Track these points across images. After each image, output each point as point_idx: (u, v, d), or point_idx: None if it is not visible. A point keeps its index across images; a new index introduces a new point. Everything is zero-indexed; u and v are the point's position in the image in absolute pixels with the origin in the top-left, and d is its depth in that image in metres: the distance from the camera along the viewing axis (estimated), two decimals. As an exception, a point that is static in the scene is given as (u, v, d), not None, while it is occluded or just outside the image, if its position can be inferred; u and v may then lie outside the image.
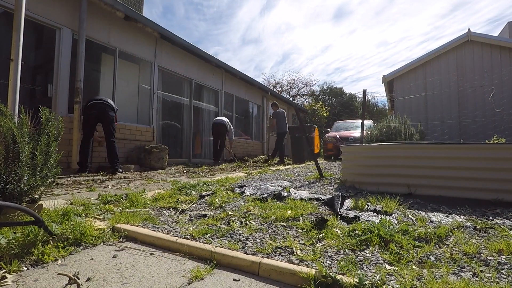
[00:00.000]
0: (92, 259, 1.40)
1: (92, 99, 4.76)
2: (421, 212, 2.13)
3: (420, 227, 1.78)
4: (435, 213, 2.09)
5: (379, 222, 1.82)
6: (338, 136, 9.29)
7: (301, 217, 1.98)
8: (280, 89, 26.86)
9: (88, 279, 1.19)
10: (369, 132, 7.54)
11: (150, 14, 49.30)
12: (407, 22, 57.51)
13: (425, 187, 2.69)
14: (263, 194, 2.75)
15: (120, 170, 4.80)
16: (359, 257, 1.39)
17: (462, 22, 52.32)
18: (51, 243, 1.48)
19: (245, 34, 56.75)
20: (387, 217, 1.97)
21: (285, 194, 2.65)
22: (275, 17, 56.05)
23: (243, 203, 2.42)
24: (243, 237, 1.65)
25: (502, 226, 1.74)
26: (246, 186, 3.20)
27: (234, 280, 1.24)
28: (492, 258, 1.34)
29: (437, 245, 1.52)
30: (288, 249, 1.48)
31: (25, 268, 1.27)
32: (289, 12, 56.29)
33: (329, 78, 55.98)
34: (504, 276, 1.18)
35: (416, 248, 1.47)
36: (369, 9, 54.64)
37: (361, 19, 56.17)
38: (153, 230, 1.75)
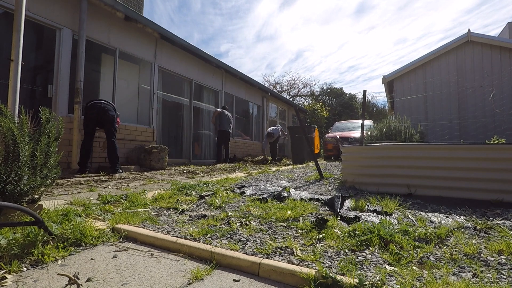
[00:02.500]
0: (92, 259, 1.40)
1: (92, 100, 4.77)
2: (421, 212, 2.13)
3: (420, 227, 1.78)
4: (435, 214, 2.09)
5: (379, 222, 1.82)
6: (338, 137, 9.29)
7: (301, 218, 1.98)
8: (280, 89, 26.88)
9: (88, 280, 1.19)
10: (369, 133, 7.54)
11: (165, 8, 47.71)
12: (430, 17, 54.46)
13: (425, 187, 2.69)
14: (263, 194, 2.75)
15: (120, 171, 4.79)
16: (359, 257, 1.38)
17: (487, 18, 49.23)
18: (51, 243, 1.47)
19: (261, 30, 54.73)
20: (387, 218, 1.97)
21: (285, 194, 2.65)
22: (295, 12, 53.20)
23: (243, 204, 2.42)
24: (243, 237, 1.65)
25: (502, 227, 1.74)
26: (246, 187, 3.19)
27: (234, 280, 1.23)
28: (492, 259, 1.34)
29: (437, 246, 1.52)
30: (288, 250, 1.48)
31: (25, 269, 1.27)
32: (310, 6, 53.91)
33: (342, 77, 54.34)
34: (504, 277, 1.18)
35: (416, 249, 1.47)
36: (392, 3, 52.11)
37: (382, 14, 54.03)
38: (153, 231, 1.75)
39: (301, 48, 53.32)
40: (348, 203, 2.37)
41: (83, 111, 4.81)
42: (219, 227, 1.83)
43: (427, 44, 53.60)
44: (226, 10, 54.00)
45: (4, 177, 1.65)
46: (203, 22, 55.71)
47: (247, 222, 1.92)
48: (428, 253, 1.42)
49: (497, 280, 1.15)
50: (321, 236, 1.64)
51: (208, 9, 54.59)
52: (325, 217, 1.85)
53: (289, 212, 2.07)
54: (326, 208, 2.26)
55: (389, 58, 53.05)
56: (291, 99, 23.42)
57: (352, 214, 2.04)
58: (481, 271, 1.23)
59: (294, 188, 3.05)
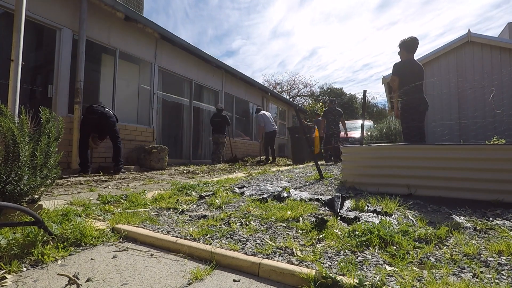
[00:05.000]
0: (92, 259, 1.40)
1: (94, 104, 4.83)
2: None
3: (420, 227, 1.78)
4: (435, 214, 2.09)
5: (379, 223, 1.82)
6: (338, 137, 9.26)
7: (301, 218, 1.98)
8: (280, 89, 26.90)
9: (88, 280, 1.19)
10: (369, 133, 7.54)
11: (181, 2, 46.28)
12: (455, 12, 51.64)
13: (425, 187, 2.68)
14: (263, 194, 2.75)
15: (123, 171, 4.89)
16: (359, 258, 1.38)
17: (513, 13, 46.84)
18: (51, 243, 1.47)
19: (278, 25, 52.30)
20: (387, 218, 1.96)
21: (285, 194, 2.65)
22: (315, 6, 50.79)
23: (243, 204, 2.42)
24: (243, 237, 1.65)
25: (502, 227, 1.74)
26: (246, 187, 3.19)
27: (234, 280, 1.23)
28: (492, 259, 1.34)
29: (437, 246, 1.52)
30: (288, 250, 1.47)
31: (25, 269, 1.27)
32: (332, 1, 51.88)
33: (355, 76, 52.02)
34: (504, 277, 1.18)
35: (416, 249, 1.47)
36: (417, -3, 49.49)
37: (405, 9, 51.07)
38: (153, 231, 1.75)
39: (316, 45, 51.66)
40: (348, 203, 2.37)
41: (83, 112, 4.83)
42: (219, 227, 1.83)
43: (446, 41, 52.18)
44: (245, 4, 51.93)
45: (4, 177, 1.65)
46: (219, 17, 54.31)
47: (247, 223, 1.92)
48: (428, 254, 1.42)
49: (497, 281, 1.15)
50: (321, 236, 1.64)
51: (226, 3, 52.89)
52: (325, 218, 1.85)
53: (289, 212, 2.07)
54: (326, 208, 2.26)
55: (405, 55, 51.92)
56: (291, 100, 23.40)
57: (352, 214, 2.04)
58: (481, 272, 1.23)
59: (294, 188, 3.05)
